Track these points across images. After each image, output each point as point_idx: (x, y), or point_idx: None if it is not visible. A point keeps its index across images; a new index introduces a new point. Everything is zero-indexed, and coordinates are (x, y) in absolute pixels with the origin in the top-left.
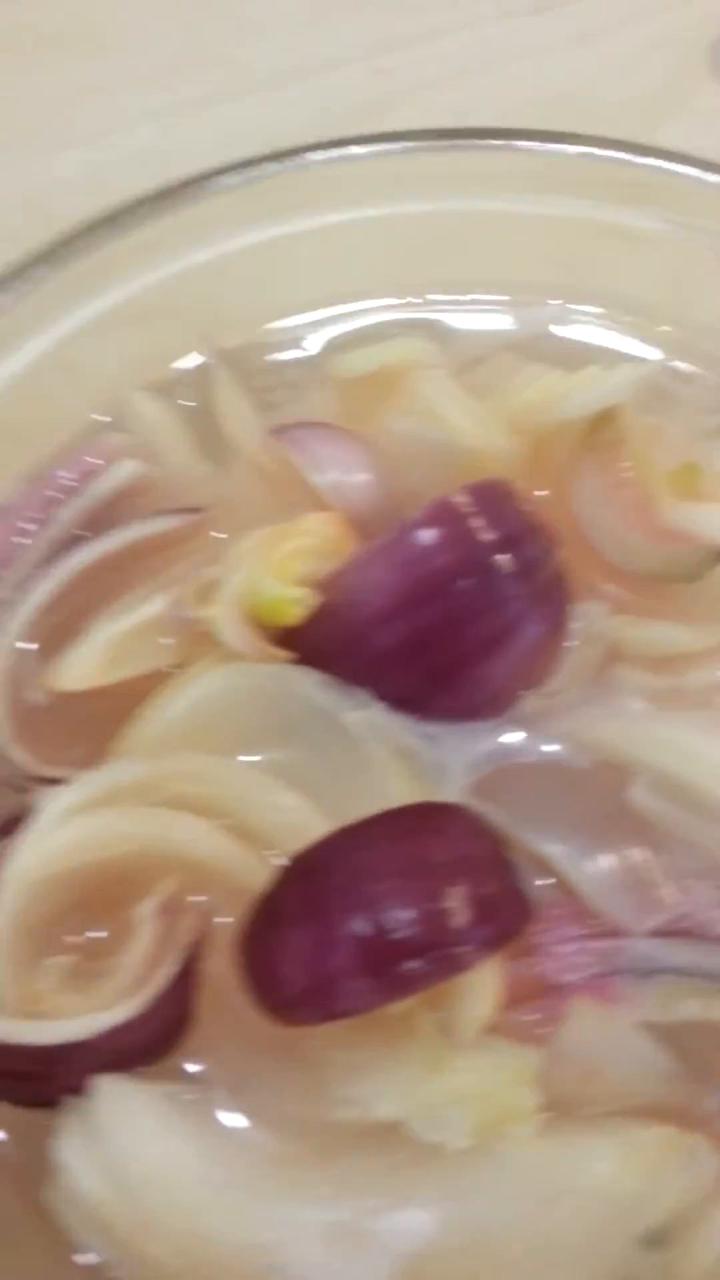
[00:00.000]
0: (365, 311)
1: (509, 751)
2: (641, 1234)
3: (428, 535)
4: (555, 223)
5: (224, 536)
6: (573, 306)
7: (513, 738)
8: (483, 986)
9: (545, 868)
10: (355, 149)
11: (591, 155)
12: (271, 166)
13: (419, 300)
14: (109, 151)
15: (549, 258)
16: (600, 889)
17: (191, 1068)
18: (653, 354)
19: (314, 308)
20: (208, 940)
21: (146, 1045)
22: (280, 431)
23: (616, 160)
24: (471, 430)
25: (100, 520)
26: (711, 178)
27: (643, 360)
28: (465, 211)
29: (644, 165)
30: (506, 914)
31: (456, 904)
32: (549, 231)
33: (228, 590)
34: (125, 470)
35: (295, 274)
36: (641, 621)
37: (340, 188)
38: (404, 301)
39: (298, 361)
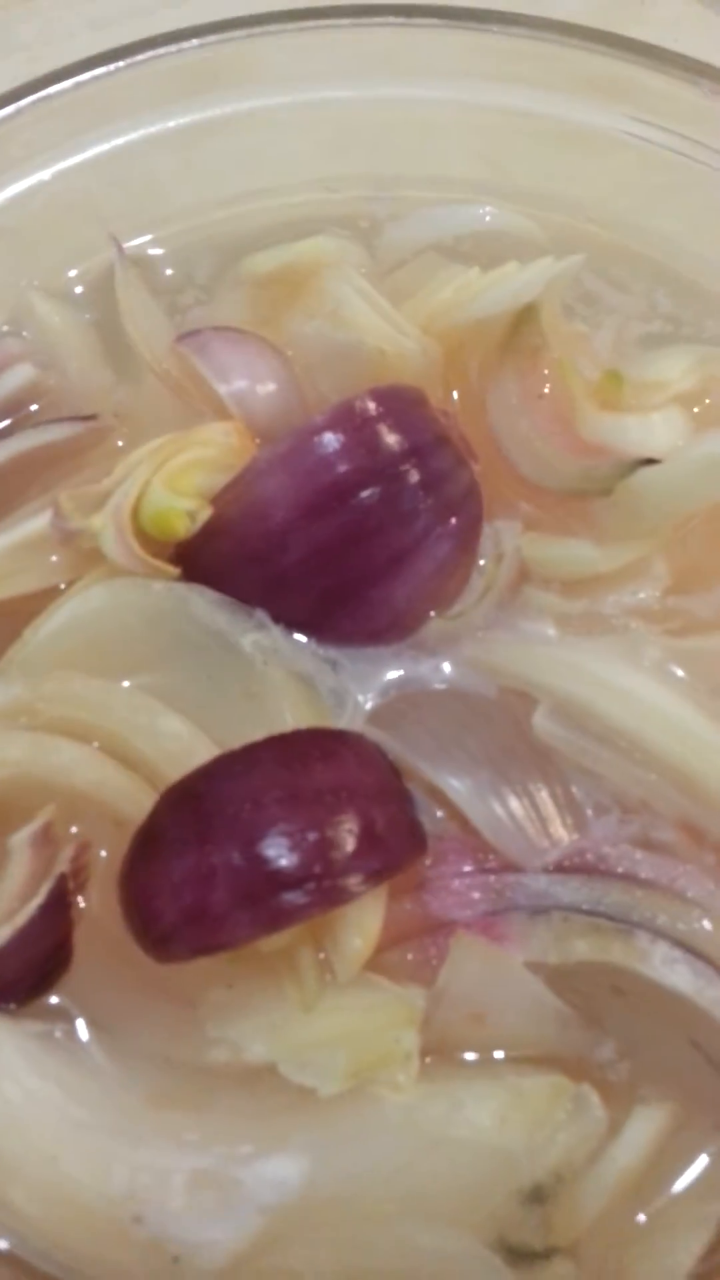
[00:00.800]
0: (281, 208)
1: (411, 679)
2: (524, 1188)
3: (329, 441)
4: (487, 115)
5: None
6: (501, 207)
7: (415, 664)
8: (363, 921)
9: (442, 800)
10: (275, 25)
11: (538, 37)
12: (182, 45)
13: (338, 196)
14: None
15: (479, 154)
16: (497, 823)
17: (66, 1007)
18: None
19: (227, 205)
20: (86, 873)
21: (16, 981)
22: (186, 337)
23: (572, 47)
24: (381, 330)
25: None
26: (662, 74)
27: (562, 258)
28: (391, 99)
29: (600, 52)
30: (394, 845)
31: (340, 833)
32: (480, 126)
33: (114, 500)
34: (19, 376)
35: (207, 169)
36: (553, 539)
37: (258, 71)
38: (322, 197)
39: (208, 263)
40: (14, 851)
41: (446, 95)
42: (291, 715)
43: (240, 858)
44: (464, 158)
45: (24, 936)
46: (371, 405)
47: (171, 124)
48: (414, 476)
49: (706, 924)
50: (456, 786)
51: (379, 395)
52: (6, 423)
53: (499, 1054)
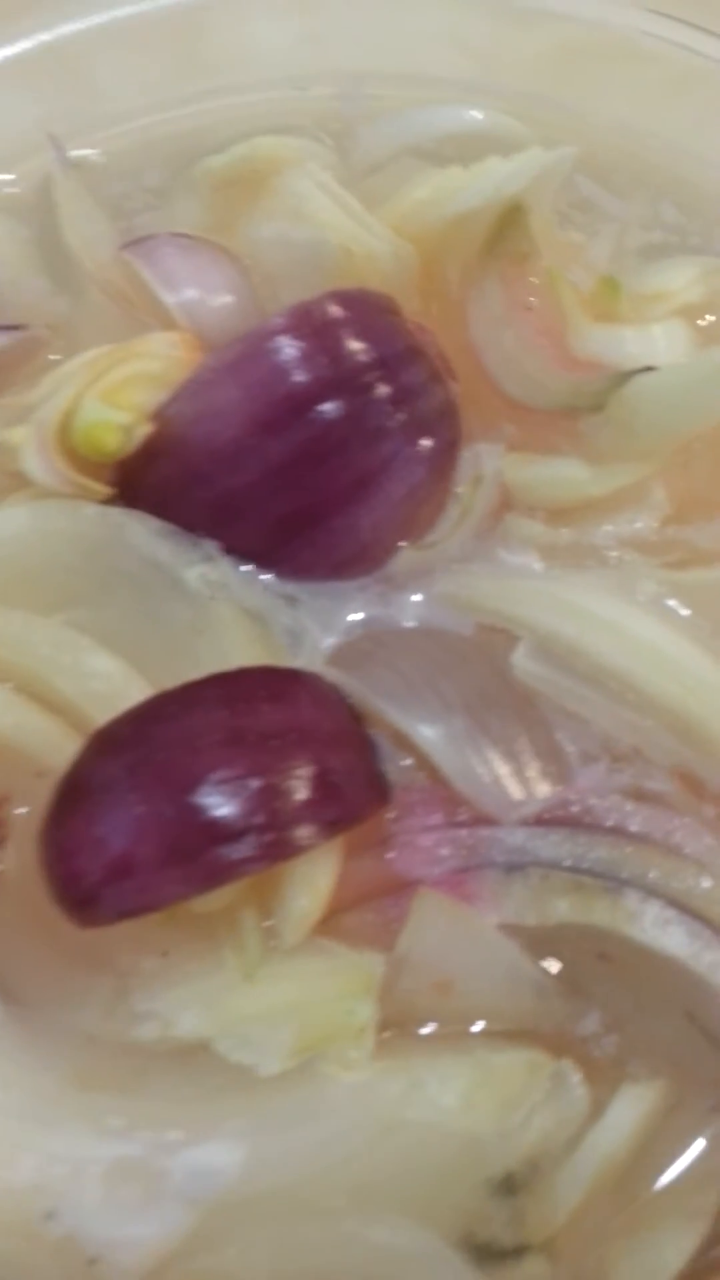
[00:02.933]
0: (241, 108)
1: (378, 616)
2: (493, 1178)
3: (285, 347)
4: (475, 6)
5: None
6: (489, 108)
7: (383, 600)
8: (313, 879)
9: (410, 748)
10: None
11: None
12: None
13: (306, 95)
14: None
15: (465, 49)
16: (470, 773)
17: None
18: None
19: (181, 105)
20: (3, 830)
21: None
22: (132, 244)
23: None
24: (347, 228)
25: None
26: None
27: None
28: None
29: None
30: (350, 795)
31: (287, 780)
32: (468, 18)
33: (40, 413)
34: None
35: (159, 64)
36: (538, 459)
37: None
38: (288, 96)
39: (159, 167)
40: None
41: None
42: (240, 656)
43: (171, 807)
44: (448, 54)
45: None
46: (334, 308)
47: (122, 12)
48: (382, 390)
49: (705, 882)
50: (426, 733)
51: (343, 298)
52: None
53: (468, 1028)
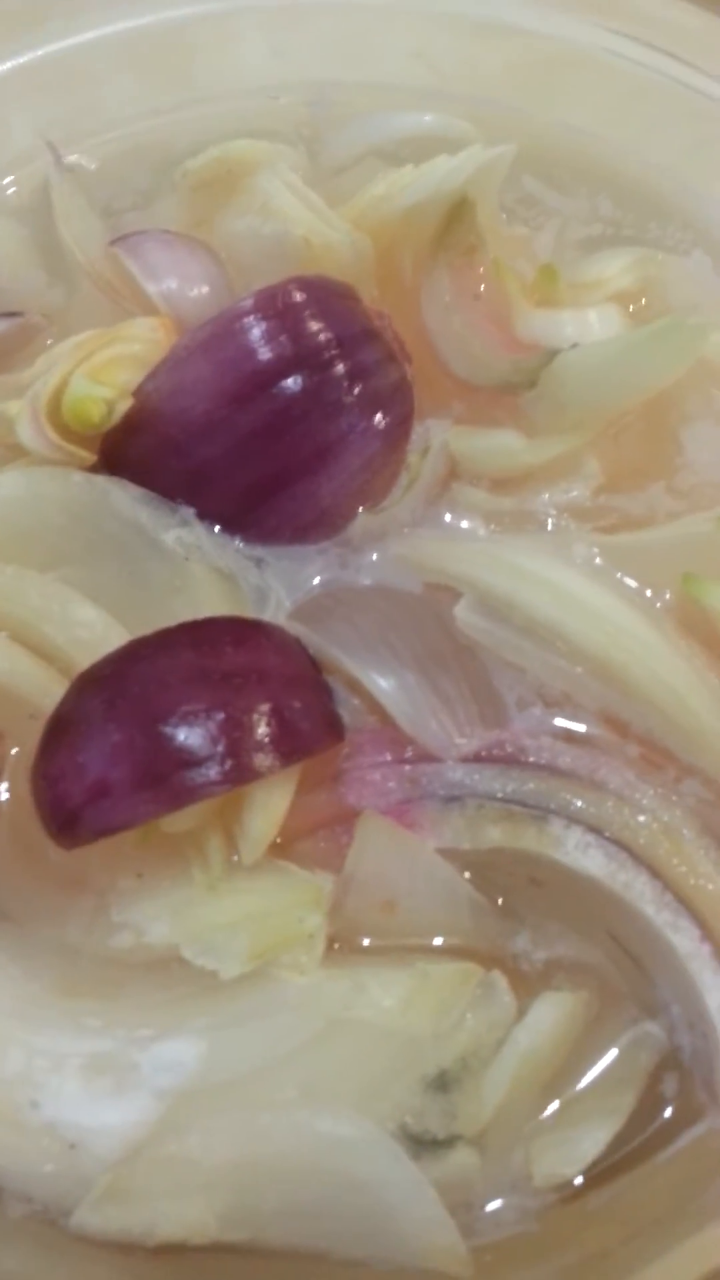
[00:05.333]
0: (221, 116)
1: (336, 576)
2: (428, 1075)
3: (250, 327)
4: (429, 21)
5: None
6: (442, 112)
7: (341, 561)
8: (269, 803)
9: (362, 694)
10: None
11: None
12: None
13: (279, 103)
14: None
15: (420, 60)
16: (416, 716)
17: None
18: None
19: (166, 113)
20: None
21: None
22: (119, 240)
23: None
24: (308, 221)
25: None
26: None
27: (490, 148)
28: (333, 4)
29: None
30: (305, 730)
31: (247, 715)
32: (422, 32)
33: (33, 388)
34: None
35: (146, 76)
36: (479, 431)
37: None
38: (263, 104)
39: (145, 169)
40: None
41: (387, 1)
42: (212, 611)
43: (144, 737)
44: (405, 64)
45: None
46: (296, 293)
47: (110, 29)
48: (339, 368)
49: (624, 811)
50: (377, 680)
51: (303, 283)
52: None
53: (409, 943)
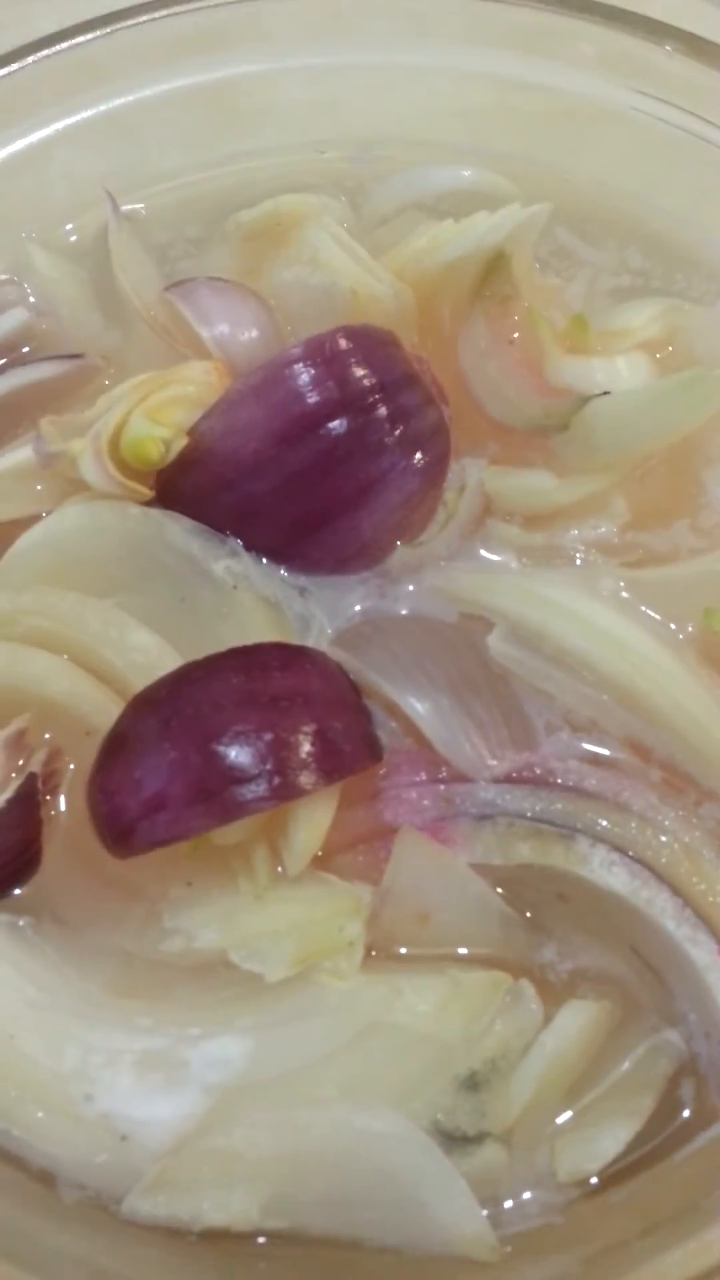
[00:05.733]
0: (270, 169)
1: (375, 606)
2: (460, 1075)
3: (300, 373)
4: (469, 81)
5: None
6: (480, 168)
7: (380, 592)
8: (313, 819)
9: (399, 716)
10: None
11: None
12: (178, 9)
13: (325, 157)
14: None
15: (461, 118)
16: (451, 739)
17: (32, 903)
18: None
19: (218, 165)
20: (57, 778)
21: None
22: (174, 286)
23: (558, 14)
24: (353, 273)
25: None
26: (633, 38)
27: (529, 206)
28: (379, 64)
29: (586, 20)
30: (347, 750)
31: (293, 735)
32: (464, 92)
33: (95, 428)
34: (13, 320)
35: (200, 131)
36: (513, 470)
37: (252, 35)
38: (310, 158)
39: (198, 219)
40: None
41: (427, 61)
42: (258, 637)
43: (197, 754)
44: (447, 121)
45: None
46: (342, 340)
47: (166, 86)
48: (381, 410)
49: (646, 832)
50: (414, 704)
51: (349, 332)
52: (1, 362)
53: (443, 953)
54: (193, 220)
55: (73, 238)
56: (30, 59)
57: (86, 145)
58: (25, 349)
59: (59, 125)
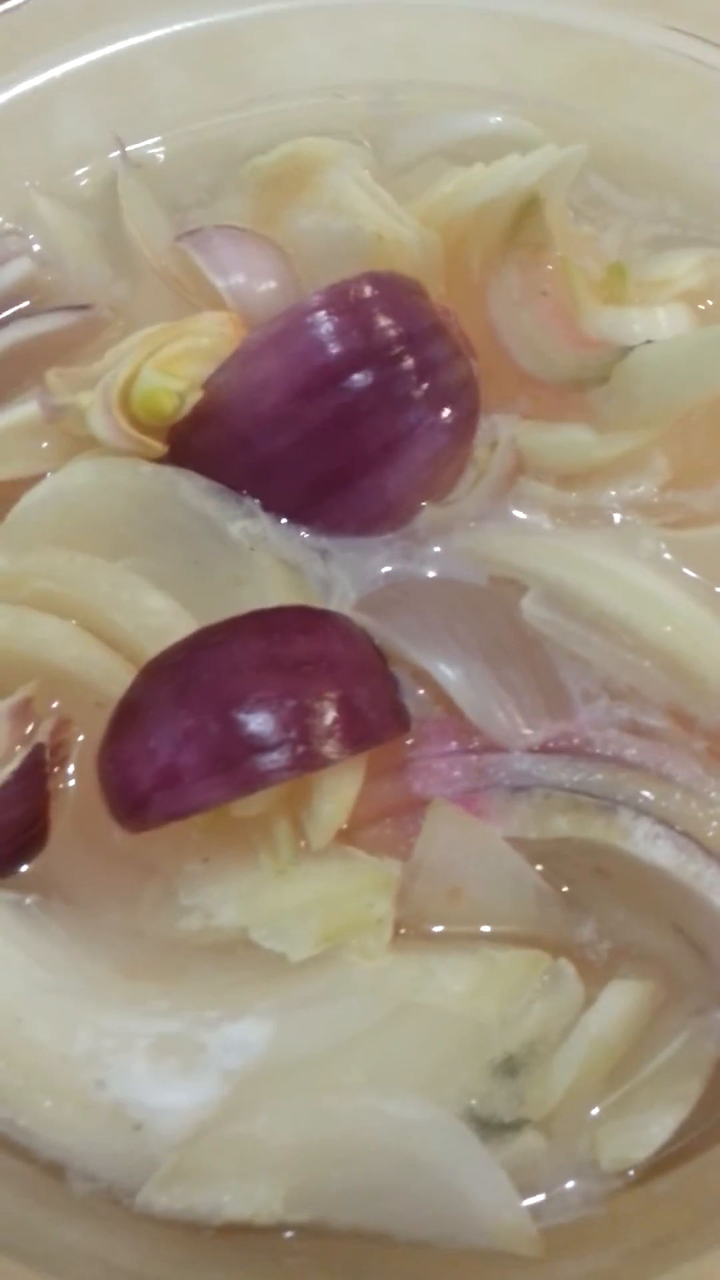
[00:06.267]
0: (287, 113)
1: (402, 569)
2: (496, 1059)
3: (321, 322)
4: (499, 21)
5: None
6: (510, 113)
7: (406, 554)
8: (339, 789)
9: (427, 683)
10: None
11: None
12: None
13: (344, 101)
14: None
15: (490, 60)
16: (483, 707)
17: (40, 882)
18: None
19: (234, 110)
20: (65, 749)
21: None
22: (186, 235)
23: None
24: (378, 217)
25: None
26: None
27: (562, 148)
28: (396, 4)
29: None
30: (373, 719)
31: (318, 701)
32: (492, 32)
33: (104, 380)
34: (16, 270)
35: (214, 74)
36: (548, 426)
37: None
38: (329, 102)
39: (212, 165)
40: None
41: (452, 1)
42: (278, 601)
43: (215, 722)
44: (474, 64)
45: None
46: (367, 288)
47: (176, 28)
48: (408, 362)
49: (692, 804)
50: (444, 670)
51: (374, 279)
52: (4, 315)
53: (476, 930)
54: (205, 168)
55: (80, 185)
56: None
57: (92, 90)
58: (29, 301)
59: (63, 69)
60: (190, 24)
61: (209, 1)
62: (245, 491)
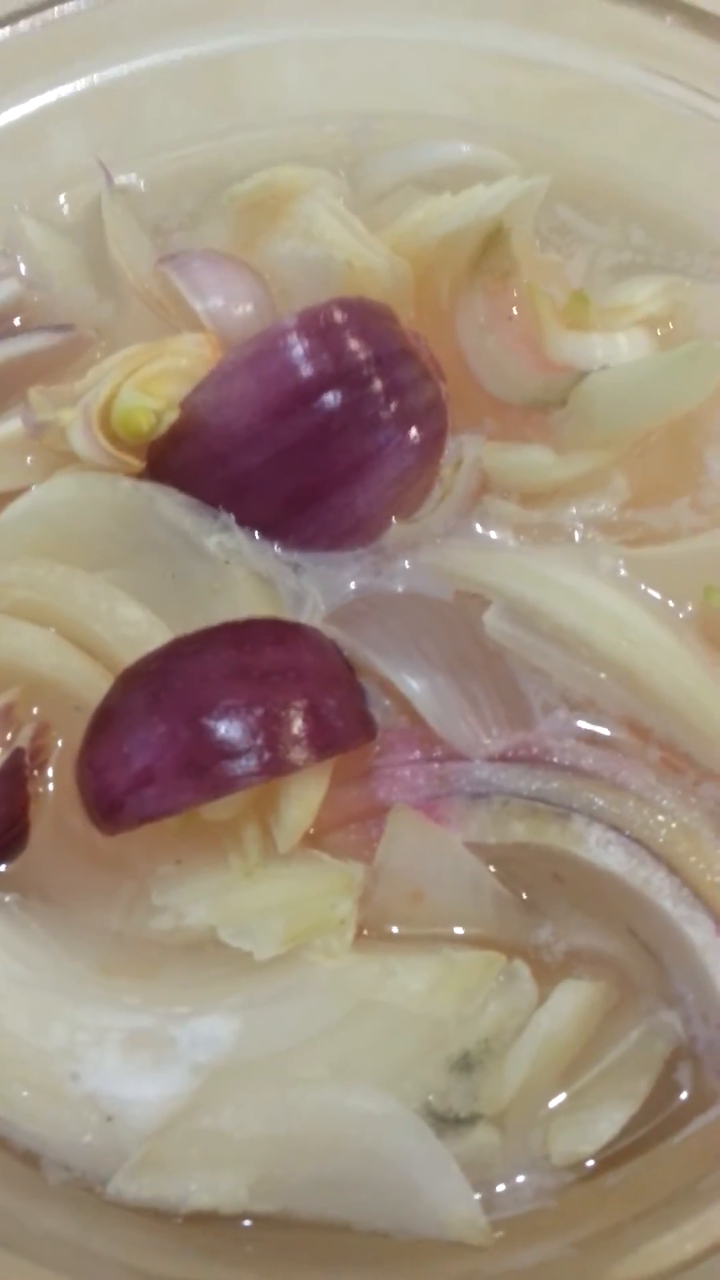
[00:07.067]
0: (265, 142)
1: (370, 583)
2: (452, 1056)
3: (294, 344)
4: (468, 55)
5: None
6: (478, 143)
7: (375, 569)
8: (305, 795)
9: (393, 694)
10: None
11: None
12: None
13: (321, 131)
14: None
15: (459, 92)
16: (445, 717)
17: (19, 882)
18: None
19: (214, 138)
20: (45, 754)
21: None
22: (168, 259)
23: None
24: (349, 245)
25: None
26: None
27: (526, 179)
28: (375, 38)
29: None
30: (340, 727)
31: (285, 710)
32: (462, 66)
33: (85, 398)
34: (5, 290)
35: (195, 104)
36: (510, 446)
37: (246, 8)
38: (306, 132)
39: (193, 193)
40: None
41: (429, 35)
42: (251, 613)
43: (187, 729)
44: (448, 95)
45: None
46: (337, 313)
47: (161, 57)
48: (377, 384)
49: (644, 812)
50: (409, 681)
51: (344, 304)
52: None
53: (437, 933)
54: (188, 194)
55: (66, 210)
56: (23, 26)
57: (80, 117)
58: (16, 321)
59: (52, 97)
60: (177, 54)
61: (196, 32)
62: (221, 507)
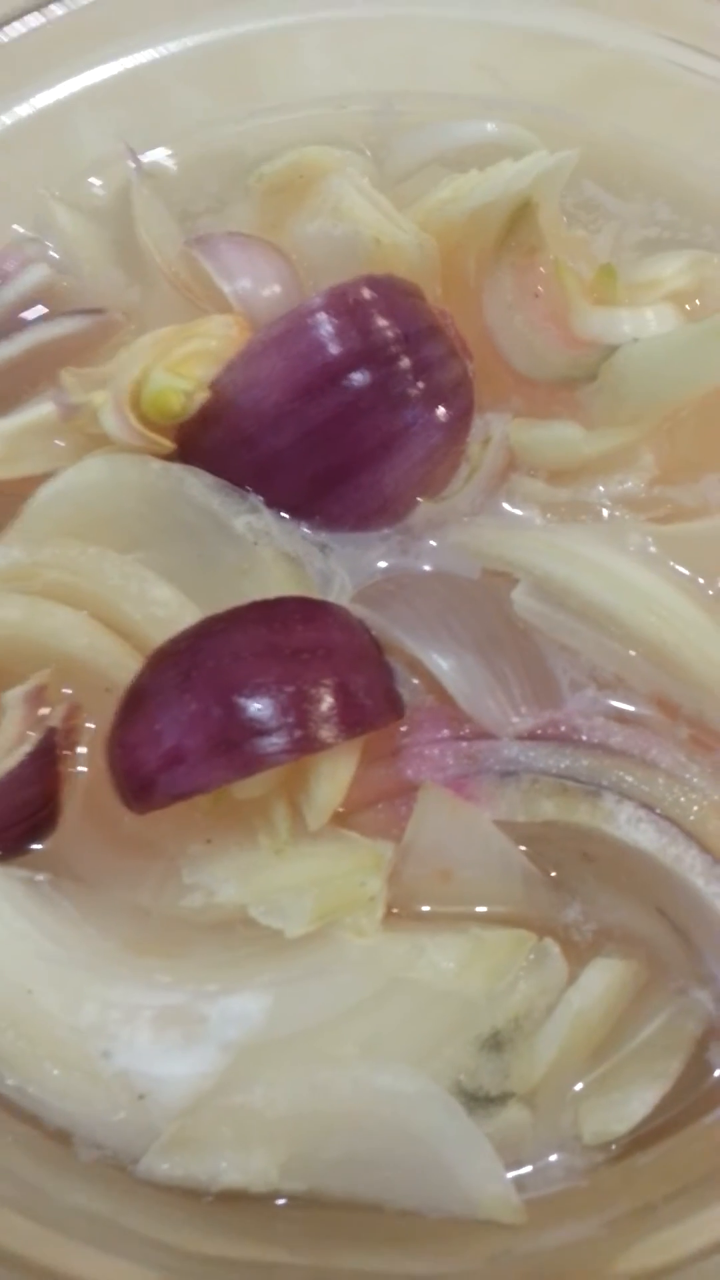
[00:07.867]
0: (291, 124)
1: (398, 563)
2: (483, 1034)
3: (322, 323)
4: (493, 31)
5: None
6: (504, 121)
7: (402, 548)
8: (335, 772)
9: (421, 673)
10: None
11: None
12: None
13: (346, 112)
14: None
15: (485, 70)
16: (474, 696)
17: (51, 861)
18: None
19: (240, 121)
20: (76, 733)
21: (4, 828)
22: (195, 241)
23: None
24: (377, 223)
25: (10, 327)
26: None
27: (554, 154)
28: (400, 17)
29: None
30: (369, 705)
31: (315, 688)
32: (487, 42)
33: (116, 380)
34: (34, 275)
35: (221, 86)
36: (539, 422)
37: None
38: (331, 113)
39: (220, 175)
40: (8, 707)
41: (453, 13)
42: (279, 593)
43: (217, 707)
44: (471, 74)
45: (13, 780)
46: (365, 291)
47: (186, 42)
48: (405, 362)
49: (675, 789)
50: (437, 660)
51: (372, 282)
52: (22, 318)
53: (466, 911)
54: (215, 176)
55: (94, 194)
56: (55, 12)
57: (108, 102)
58: (46, 306)
59: (81, 82)
60: (202, 39)
61: (219, 17)
62: (249, 487)
